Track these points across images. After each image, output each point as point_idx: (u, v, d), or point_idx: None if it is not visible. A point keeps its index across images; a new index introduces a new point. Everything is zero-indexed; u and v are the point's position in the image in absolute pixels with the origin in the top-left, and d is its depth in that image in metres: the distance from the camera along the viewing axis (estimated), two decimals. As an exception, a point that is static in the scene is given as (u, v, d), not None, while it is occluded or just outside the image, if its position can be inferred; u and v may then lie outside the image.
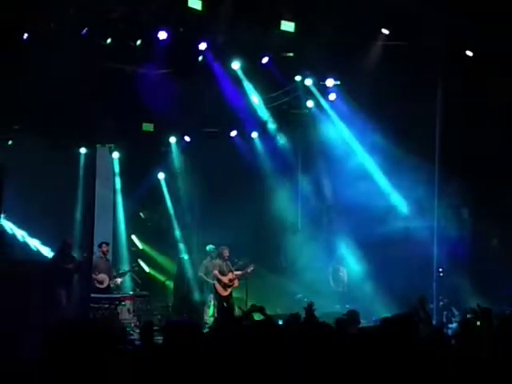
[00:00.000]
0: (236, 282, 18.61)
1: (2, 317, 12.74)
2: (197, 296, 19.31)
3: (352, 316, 11.78)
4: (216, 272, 18.45)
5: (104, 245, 18.63)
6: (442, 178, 18.30)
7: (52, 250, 18.10)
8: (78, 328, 6.68)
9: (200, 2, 15.08)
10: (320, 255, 19.68)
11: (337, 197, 19.92)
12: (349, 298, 18.71)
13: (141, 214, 21.21)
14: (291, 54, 17.78)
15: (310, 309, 13.13)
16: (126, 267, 19.82)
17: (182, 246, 20.85)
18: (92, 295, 17.58)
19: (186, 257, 20.61)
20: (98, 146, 19.50)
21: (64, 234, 17.78)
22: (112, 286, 18.51)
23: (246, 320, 9.70)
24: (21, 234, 18.35)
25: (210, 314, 18.26)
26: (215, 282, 18.45)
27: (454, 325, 14.20)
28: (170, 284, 20.51)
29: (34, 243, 18.68)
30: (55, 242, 17.68)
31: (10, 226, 18.15)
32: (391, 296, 17.19)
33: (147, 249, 21.09)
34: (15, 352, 6.82)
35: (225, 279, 18.44)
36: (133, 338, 16.25)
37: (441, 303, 17.87)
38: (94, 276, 17.99)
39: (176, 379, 6.32)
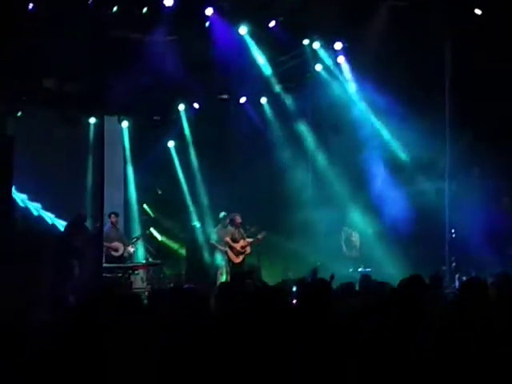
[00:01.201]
0: (248, 249, 18.64)
1: (16, 286, 12.79)
2: (210, 263, 19.36)
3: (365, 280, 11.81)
4: (228, 239, 18.47)
5: (113, 215, 18.61)
6: (453, 139, 18.20)
7: (64, 221, 18.12)
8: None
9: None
10: (332, 219, 19.66)
11: (347, 161, 19.83)
12: (362, 261, 18.73)
13: (157, 190, 21.11)
14: (298, 18, 17.64)
15: (314, 274, 13.22)
16: (137, 235, 19.81)
17: (193, 213, 20.88)
18: (105, 265, 17.68)
19: (197, 224, 20.64)
20: (106, 115, 19.46)
21: (75, 204, 17.83)
22: (125, 255, 18.57)
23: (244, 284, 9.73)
24: (34, 207, 18.32)
25: (222, 280, 18.28)
26: (227, 249, 18.49)
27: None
28: (183, 252, 20.57)
29: (48, 215, 18.65)
30: (67, 213, 17.70)
31: (21, 199, 18.14)
32: (404, 259, 17.19)
33: (159, 217, 21.09)
34: (28, 320, 6.83)
35: (237, 246, 18.47)
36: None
37: (453, 265, 17.84)
38: (108, 244, 18.05)
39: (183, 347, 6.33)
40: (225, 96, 20.33)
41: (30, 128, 17.66)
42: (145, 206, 21.01)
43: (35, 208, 18.30)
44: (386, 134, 19.44)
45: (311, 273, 14.14)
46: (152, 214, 21.12)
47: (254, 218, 19.03)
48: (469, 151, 17.59)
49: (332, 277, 13.37)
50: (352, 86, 19.62)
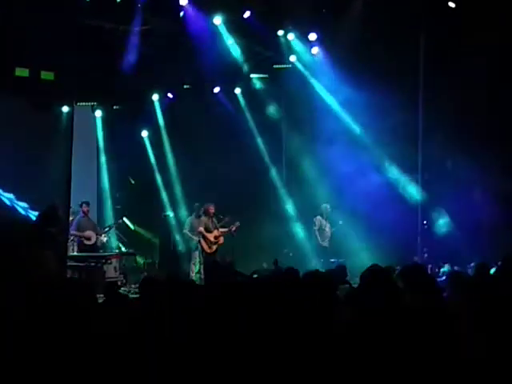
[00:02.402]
0: (221, 239, 18.62)
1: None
2: (183, 253, 19.37)
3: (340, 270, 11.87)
4: (201, 229, 18.44)
5: (84, 204, 18.38)
6: (426, 131, 18.33)
7: (36, 210, 17.98)
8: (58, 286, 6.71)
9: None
10: (305, 209, 19.73)
11: (320, 152, 19.89)
12: (332, 251, 18.78)
13: (129, 178, 21.11)
14: (273, 8, 17.66)
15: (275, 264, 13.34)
16: (110, 224, 19.77)
17: (167, 203, 20.88)
18: (78, 254, 17.62)
19: (171, 214, 20.65)
20: (80, 104, 19.38)
21: (45, 193, 17.67)
22: (98, 244, 18.51)
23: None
24: (7, 197, 18.12)
25: (195, 270, 18.30)
26: (200, 239, 18.46)
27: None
28: (156, 241, 20.56)
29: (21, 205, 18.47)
30: (37, 202, 17.55)
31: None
32: (377, 249, 17.30)
33: (132, 206, 21.06)
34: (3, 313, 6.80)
35: (210, 236, 18.45)
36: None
37: (425, 255, 17.97)
38: (80, 234, 17.97)
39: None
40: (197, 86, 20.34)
41: (1, 115, 17.48)
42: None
43: (8, 198, 18.11)
44: (357, 125, 19.50)
45: (273, 263, 14.26)
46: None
47: (228, 208, 19.03)
48: (442, 144, 17.72)
49: (275, 262, 13.57)
50: (325, 77, 19.64)
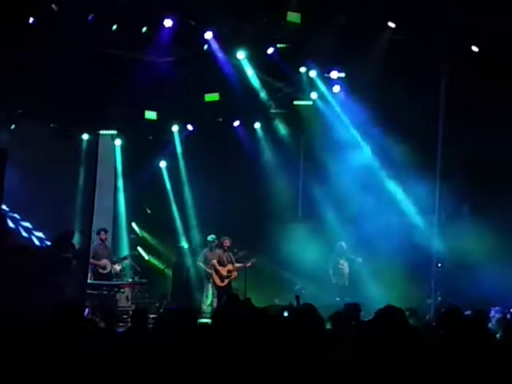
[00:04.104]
0: (234, 274, 18.57)
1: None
2: (195, 285, 19.31)
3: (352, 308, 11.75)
4: (215, 262, 18.42)
5: (102, 232, 18.59)
6: (444, 174, 18.29)
7: (51, 237, 17.98)
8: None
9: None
10: (321, 247, 19.63)
11: (338, 190, 19.85)
12: (349, 291, 18.68)
13: (146, 209, 21.14)
14: (296, 46, 17.75)
15: (297, 300, 13.28)
16: (125, 253, 19.79)
17: (181, 234, 20.87)
18: (91, 282, 17.63)
19: (185, 245, 20.64)
20: (100, 132, 19.48)
21: (63, 219, 17.72)
22: (112, 272, 18.52)
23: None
24: (25, 227, 18.10)
25: (207, 303, 18.25)
26: (212, 272, 18.43)
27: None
28: (169, 272, 20.50)
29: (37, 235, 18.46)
30: (55, 228, 17.58)
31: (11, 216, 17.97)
32: (391, 290, 17.21)
33: (147, 236, 21.08)
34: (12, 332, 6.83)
35: (223, 270, 18.40)
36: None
37: (438, 299, 17.84)
38: (96, 262, 18.05)
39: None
40: (217, 119, 20.40)
41: (22, 141, 17.57)
42: (133, 224, 20.96)
43: (24, 228, 18.10)
44: (376, 163, 19.49)
45: (295, 299, 14.17)
46: (140, 234, 21.10)
47: (244, 242, 19.00)
48: (460, 186, 17.67)
49: (297, 298, 13.48)
50: (346, 116, 19.66)
